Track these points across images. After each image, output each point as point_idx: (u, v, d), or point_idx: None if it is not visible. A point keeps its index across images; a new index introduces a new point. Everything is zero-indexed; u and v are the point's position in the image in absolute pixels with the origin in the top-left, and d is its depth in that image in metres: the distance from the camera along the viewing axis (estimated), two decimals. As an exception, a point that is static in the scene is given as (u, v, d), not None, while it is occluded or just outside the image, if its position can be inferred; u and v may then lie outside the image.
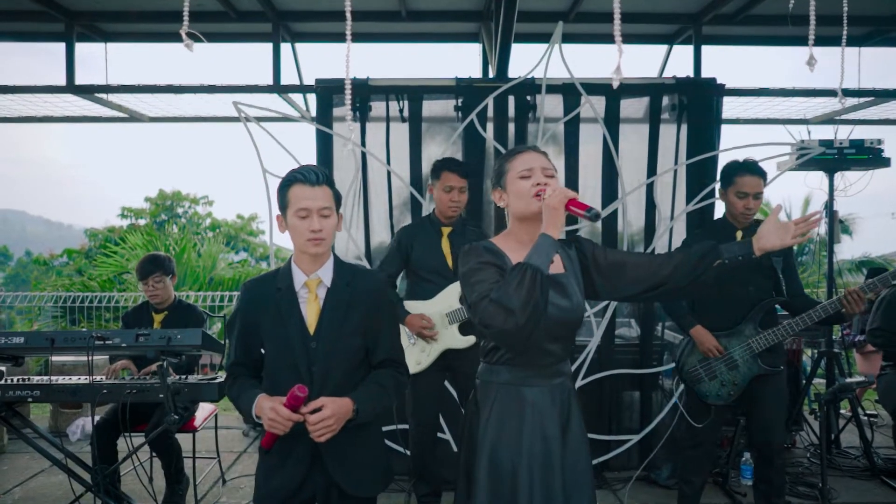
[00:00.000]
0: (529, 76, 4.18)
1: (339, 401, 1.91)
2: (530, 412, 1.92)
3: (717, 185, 3.38)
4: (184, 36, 1.96)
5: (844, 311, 3.02)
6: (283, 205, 2.00)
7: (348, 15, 1.86)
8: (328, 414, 1.87)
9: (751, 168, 3.19)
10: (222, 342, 3.17)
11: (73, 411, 5.33)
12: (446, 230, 3.50)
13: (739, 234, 3.25)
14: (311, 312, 2.01)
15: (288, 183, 1.99)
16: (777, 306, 3.30)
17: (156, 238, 10.15)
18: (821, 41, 2.59)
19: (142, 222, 18.14)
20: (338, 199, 2.03)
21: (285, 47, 4.99)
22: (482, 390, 2.00)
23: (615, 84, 1.55)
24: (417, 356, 3.43)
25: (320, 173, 1.98)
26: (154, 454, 3.90)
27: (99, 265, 10.02)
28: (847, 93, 4.69)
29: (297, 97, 5.21)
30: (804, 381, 4.74)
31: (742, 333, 3.16)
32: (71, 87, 4.93)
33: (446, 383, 3.69)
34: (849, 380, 4.20)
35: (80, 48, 5.06)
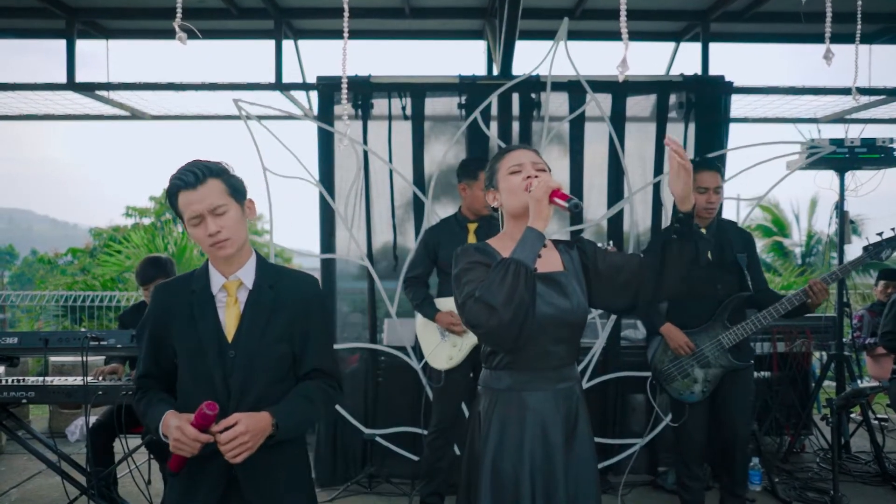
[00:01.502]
0: (534, 73, 4.11)
1: (256, 416, 1.71)
2: (531, 418, 1.85)
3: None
4: (177, 29, 1.91)
5: (810, 301, 3.09)
6: (178, 215, 1.81)
7: (346, 8, 1.81)
8: (242, 430, 1.66)
9: (707, 163, 3.28)
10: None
11: (72, 411, 5.29)
12: (472, 226, 3.52)
13: (703, 232, 3.24)
14: (229, 318, 1.81)
15: (172, 193, 1.78)
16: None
17: (157, 237, 10.11)
18: (831, 38, 2.52)
19: (146, 221, 18.13)
20: (236, 187, 1.81)
21: (288, 45, 4.95)
22: (484, 397, 1.95)
23: (621, 77, 1.49)
24: (449, 351, 3.47)
25: (200, 170, 1.77)
26: (151, 456, 3.84)
27: (101, 264, 10.00)
28: (859, 91, 4.62)
29: (300, 95, 5.16)
30: (813, 385, 4.67)
31: (712, 330, 3.20)
32: (72, 85, 4.90)
33: None
34: (862, 385, 4.12)
35: (82, 46, 5.03)
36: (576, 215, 1.79)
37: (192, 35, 1.95)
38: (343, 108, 1.85)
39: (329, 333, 1.97)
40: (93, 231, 16.95)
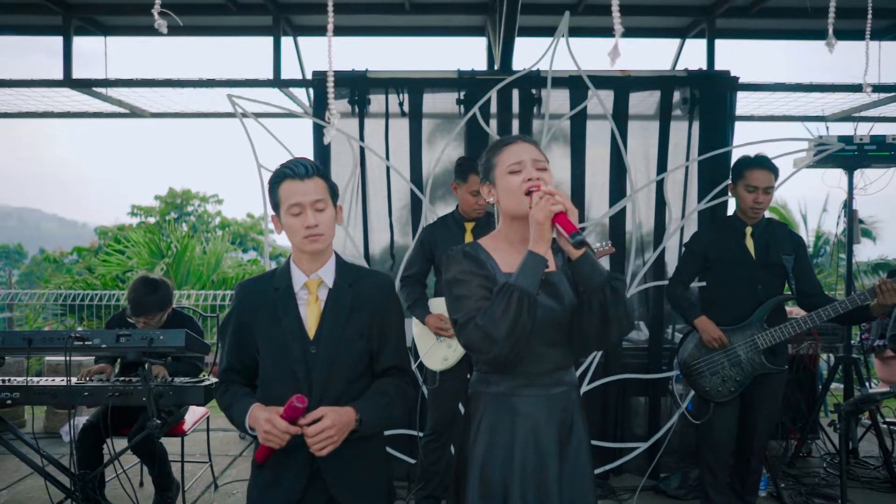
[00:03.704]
0: (535, 68, 4.03)
1: (341, 410, 1.77)
2: (522, 425, 1.77)
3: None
4: (156, 16, 1.84)
5: (876, 302, 2.90)
6: (275, 203, 1.87)
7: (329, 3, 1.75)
8: (328, 424, 1.72)
9: (761, 162, 3.14)
10: (208, 342, 3.06)
11: (67, 411, 5.23)
12: (469, 225, 3.45)
13: (749, 231, 3.15)
14: (311, 315, 1.87)
15: (277, 180, 1.86)
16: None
17: (158, 237, 10.09)
18: (839, 35, 2.43)
19: (152, 220, 18.19)
20: (333, 190, 1.91)
21: (287, 41, 4.88)
22: (473, 401, 1.87)
23: (612, 65, 1.40)
24: (444, 352, 3.41)
25: (310, 165, 1.86)
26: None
27: (103, 263, 10.00)
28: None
29: (299, 92, 5.10)
30: (820, 388, 4.56)
31: (748, 330, 3.11)
32: (68, 81, 4.85)
33: None
34: (872, 390, 4.02)
35: (81, 44, 4.97)
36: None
37: (174, 29, 1.88)
38: (331, 103, 1.78)
39: (403, 331, 2.02)
40: (98, 230, 17.02)
